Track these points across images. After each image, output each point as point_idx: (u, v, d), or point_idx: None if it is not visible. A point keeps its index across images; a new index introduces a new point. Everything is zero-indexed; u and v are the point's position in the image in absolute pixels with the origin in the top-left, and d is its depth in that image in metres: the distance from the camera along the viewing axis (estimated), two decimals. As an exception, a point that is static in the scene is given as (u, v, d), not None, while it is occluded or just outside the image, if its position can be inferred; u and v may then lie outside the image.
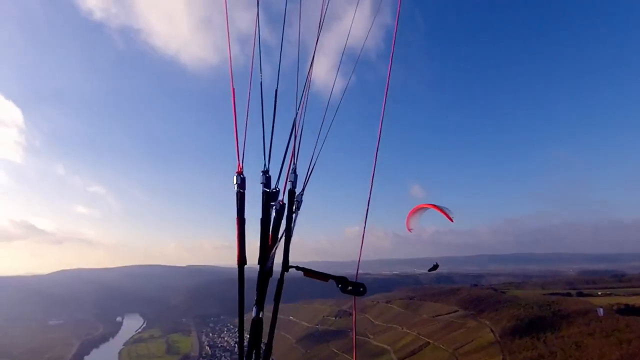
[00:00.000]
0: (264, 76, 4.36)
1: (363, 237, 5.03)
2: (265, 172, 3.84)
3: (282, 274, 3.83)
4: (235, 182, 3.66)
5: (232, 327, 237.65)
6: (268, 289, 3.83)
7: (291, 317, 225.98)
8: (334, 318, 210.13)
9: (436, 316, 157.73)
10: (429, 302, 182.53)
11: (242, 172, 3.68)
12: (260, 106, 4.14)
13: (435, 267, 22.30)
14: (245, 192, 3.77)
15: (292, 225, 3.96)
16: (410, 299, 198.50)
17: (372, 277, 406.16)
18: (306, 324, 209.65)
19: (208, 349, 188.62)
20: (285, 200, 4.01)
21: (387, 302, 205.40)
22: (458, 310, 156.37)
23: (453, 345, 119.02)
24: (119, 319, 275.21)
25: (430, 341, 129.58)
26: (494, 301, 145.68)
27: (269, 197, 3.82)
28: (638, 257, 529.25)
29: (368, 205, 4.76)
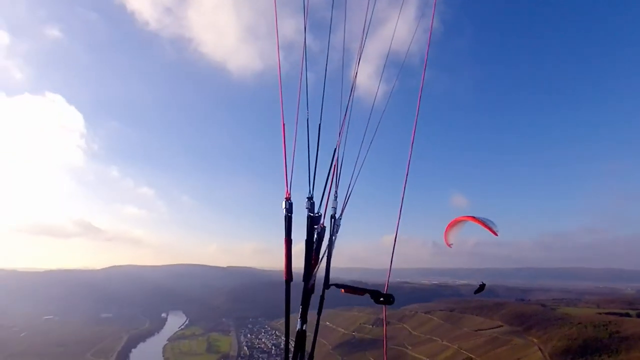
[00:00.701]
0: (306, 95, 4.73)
1: (394, 247, 5.40)
2: (310, 199, 4.30)
3: (323, 291, 4.33)
4: (284, 206, 4.11)
5: (269, 329, 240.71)
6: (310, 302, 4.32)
7: (328, 323, 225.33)
8: (371, 326, 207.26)
9: (478, 330, 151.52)
10: (471, 315, 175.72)
11: (289, 198, 4.13)
12: (307, 138, 4.54)
13: (482, 287, 21.12)
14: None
15: (332, 246, 4.42)
16: (451, 311, 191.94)
17: (410, 287, 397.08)
18: (343, 330, 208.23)
19: (246, 349, 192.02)
20: (327, 224, 4.47)
21: (426, 313, 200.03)
22: (503, 326, 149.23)
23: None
24: (163, 315, 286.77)
25: (473, 356, 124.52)
26: (542, 318, 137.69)
27: (312, 221, 4.28)
28: None
29: (400, 215, 5.05)
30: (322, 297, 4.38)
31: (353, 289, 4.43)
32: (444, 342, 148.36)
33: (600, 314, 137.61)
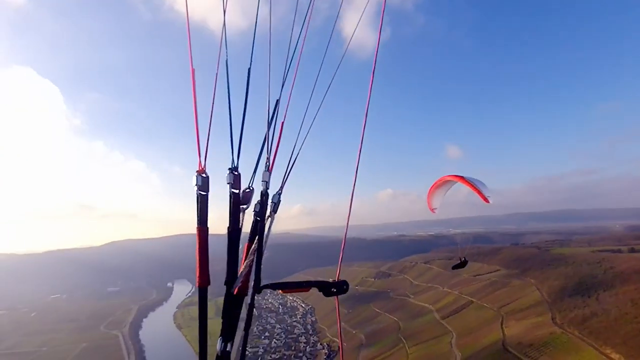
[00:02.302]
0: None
1: (350, 209, 4.18)
2: (233, 170, 3.14)
3: (252, 297, 3.12)
4: (195, 183, 2.94)
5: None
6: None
7: (330, 279, 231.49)
8: (373, 279, 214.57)
9: (477, 275, 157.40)
10: (470, 261, 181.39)
11: (204, 170, 2.99)
12: (226, 87, 3.30)
13: (464, 263, 20.70)
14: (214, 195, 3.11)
15: (265, 233, 3.24)
16: (449, 259, 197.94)
17: (408, 239, 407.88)
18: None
19: (254, 310, 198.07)
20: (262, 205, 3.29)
21: (425, 263, 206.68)
22: (500, 270, 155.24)
23: (497, 303, 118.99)
24: (169, 284, 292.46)
25: (474, 300, 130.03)
26: (538, 260, 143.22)
27: (238, 200, 3.15)
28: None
29: (356, 175, 3.91)
30: (251, 306, 3.08)
31: (294, 287, 3.43)
32: (444, 289, 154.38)
33: (593, 251, 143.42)
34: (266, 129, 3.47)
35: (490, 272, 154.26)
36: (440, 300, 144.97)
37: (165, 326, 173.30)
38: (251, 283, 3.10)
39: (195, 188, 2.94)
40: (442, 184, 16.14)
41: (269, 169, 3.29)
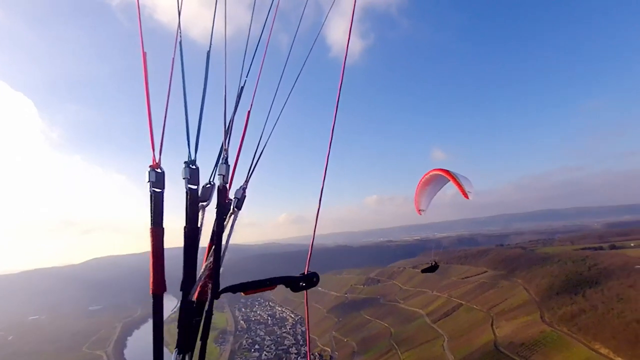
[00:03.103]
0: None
1: (317, 217, 4.02)
2: (190, 164, 2.79)
3: (210, 303, 2.73)
4: (148, 179, 2.62)
5: (263, 301, 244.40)
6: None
7: (320, 288, 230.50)
8: (362, 286, 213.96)
9: (465, 278, 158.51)
10: (456, 264, 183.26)
11: (158, 165, 2.67)
12: (181, 72, 2.94)
13: (434, 267, 20.10)
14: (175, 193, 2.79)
15: (224, 232, 2.90)
16: (437, 262, 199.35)
17: (395, 244, 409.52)
18: (335, 293, 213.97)
19: (243, 323, 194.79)
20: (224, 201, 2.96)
21: (413, 268, 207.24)
22: (487, 271, 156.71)
23: (487, 305, 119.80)
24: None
25: (463, 302, 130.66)
26: (524, 260, 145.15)
27: (195, 197, 2.78)
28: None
29: (323, 182, 3.73)
30: (208, 312, 2.73)
31: (256, 287, 2.96)
32: (434, 293, 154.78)
33: (576, 250, 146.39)
34: (223, 118, 3.10)
35: (478, 274, 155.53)
36: (430, 304, 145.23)
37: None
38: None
39: (149, 185, 2.62)
40: (429, 180, 15.65)
41: (226, 161, 2.95)
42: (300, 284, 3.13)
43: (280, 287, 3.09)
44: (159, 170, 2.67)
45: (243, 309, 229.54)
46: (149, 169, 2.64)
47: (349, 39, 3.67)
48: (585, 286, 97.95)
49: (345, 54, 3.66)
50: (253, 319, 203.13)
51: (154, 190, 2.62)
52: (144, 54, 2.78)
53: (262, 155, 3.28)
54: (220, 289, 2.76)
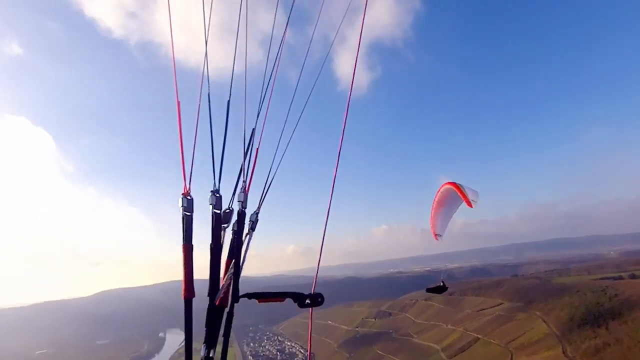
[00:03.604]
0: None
1: (322, 246, 4.46)
2: (215, 192, 3.48)
3: (231, 306, 3.37)
4: (180, 205, 3.27)
5: (271, 335, 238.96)
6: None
7: (330, 322, 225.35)
8: (373, 320, 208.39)
9: (481, 310, 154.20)
10: (471, 296, 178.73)
11: (189, 193, 3.32)
12: (209, 117, 3.78)
13: (442, 288, 17.72)
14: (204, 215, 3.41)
15: (242, 249, 3.57)
16: (450, 295, 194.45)
17: (405, 276, 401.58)
18: (346, 327, 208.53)
19: (251, 358, 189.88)
20: (238, 223, 3.62)
21: (426, 300, 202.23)
22: (503, 303, 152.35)
23: (504, 339, 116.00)
24: (161, 334, 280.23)
25: (480, 336, 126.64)
26: (541, 291, 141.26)
27: (219, 220, 3.46)
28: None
29: (328, 213, 4.29)
30: (230, 314, 3.37)
31: (269, 297, 3.62)
32: (448, 326, 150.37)
33: (594, 279, 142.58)
34: (242, 155, 3.84)
35: (494, 306, 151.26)
36: (445, 338, 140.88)
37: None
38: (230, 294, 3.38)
39: (181, 209, 3.24)
40: (442, 199, 15.30)
41: (244, 191, 3.59)
42: (306, 301, 3.63)
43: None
44: (189, 197, 3.28)
45: (252, 344, 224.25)
46: (181, 197, 3.25)
47: (354, 73, 4.23)
48: (607, 318, 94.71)
49: (350, 89, 4.24)
50: (262, 354, 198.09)
51: (185, 214, 3.24)
52: (178, 103, 3.46)
53: (272, 185, 3.97)
54: (240, 294, 3.35)
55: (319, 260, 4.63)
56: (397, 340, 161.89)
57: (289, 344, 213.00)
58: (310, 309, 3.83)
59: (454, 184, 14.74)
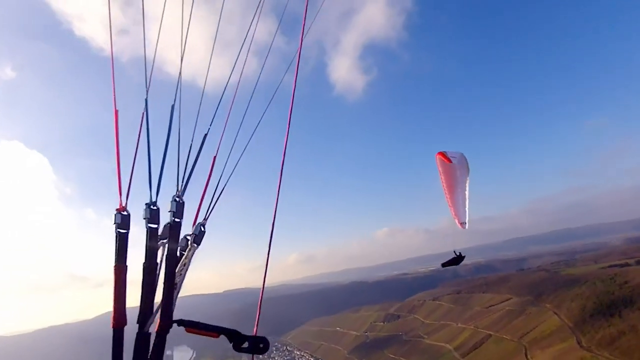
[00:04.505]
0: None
1: (267, 262, 3.99)
2: (151, 205, 3.07)
3: (159, 333, 2.85)
4: (114, 221, 2.91)
5: (280, 346, 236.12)
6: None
7: (338, 328, 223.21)
8: (382, 323, 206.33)
9: (490, 307, 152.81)
10: (478, 293, 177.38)
11: (124, 209, 2.96)
12: (146, 124, 3.47)
13: (459, 259, 16.33)
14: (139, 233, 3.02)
15: (180, 267, 3.06)
16: (458, 293, 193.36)
17: (410, 277, 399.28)
18: (355, 332, 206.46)
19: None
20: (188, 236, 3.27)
21: (434, 300, 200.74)
22: (512, 298, 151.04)
23: (517, 334, 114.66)
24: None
25: (491, 333, 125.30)
26: (550, 283, 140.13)
27: (154, 235, 3.01)
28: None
29: (272, 227, 3.82)
30: (160, 342, 2.84)
31: (202, 328, 2.95)
32: (459, 325, 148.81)
33: (602, 268, 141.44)
34: (177, 163, 3.46)
35: (503, 302, 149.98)
36: (456, 337, 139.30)
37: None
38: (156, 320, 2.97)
39: (114, 226, 2.93)
40: (448, 180, 14.49)
41: (176, 199, 3.18)
42: (243, 345, 2.98)
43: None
44: (125, 213, 2.95)
45: (260, 356, 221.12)
46: (115, 212, 2.94)
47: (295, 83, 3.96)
48: (620, 306, 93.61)
49: (291, 99, 4.39)
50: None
51: (119, 231, 2.91)
52: (116, 111, 3.26)
53: (221, 196, 3.60)
54: (173, 320, 2.89)
55: (264, 280, 4.03)
56: (408, 342, 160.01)
57: (298, 353, 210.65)
58: (252, 356, 3.17)
59: (439, 153, 14.28)
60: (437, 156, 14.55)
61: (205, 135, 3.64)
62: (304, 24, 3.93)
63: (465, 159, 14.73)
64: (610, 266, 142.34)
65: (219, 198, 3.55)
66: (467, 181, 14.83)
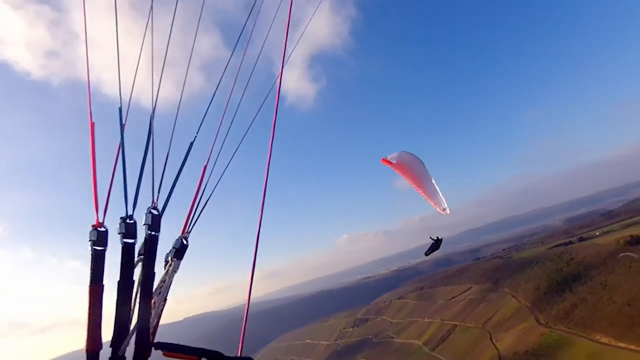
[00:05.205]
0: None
1: (252, 279, 3.84)
2: (126, 219, 2.87)
3: (136, 358, 2.64)
4: (90, 238, 2.70)
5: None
6: None
7: (308, 340, 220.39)
8: (352, 329, 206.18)
9: (452, 298, 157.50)
10: (440, 286, 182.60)
11: (101, 224, 2.76)
12: (120, 135, 3.26)
13: (438, 242, 16.68)
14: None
15: (156, 285, 2.89)
16: (422, 289, 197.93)
17: (374, 280, 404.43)
18: (325, 342, 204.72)
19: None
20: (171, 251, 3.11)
21: (399, 299, 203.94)
22: (472, 287, 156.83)
23: (480, 320, 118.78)
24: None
25: (457, 323, 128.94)
26: (505, 268, 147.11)
27: (130, 250, 2.81)
28: (615, 191, 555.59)
29: (257, 245, 3.72)
30: None
31: (181, 351, 2.70)
32: (425, 320, 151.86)
33: (549, 249, 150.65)
34: (152, 172, 3.31)
35: (464, 292, 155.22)
36: (424, 332, 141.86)
37: None
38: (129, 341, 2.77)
39: (89, 243, 2.72)
40: (413, 176, 14.38)
41: (151, 211, 2.99)
42: None
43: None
44: (101, 229, 2.75)
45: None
46: (91, 229, 2.75)
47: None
48: (569, 281, 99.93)
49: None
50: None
51: (94, 249, 2.70)
52: (92, 124, 3.08)
53: (205, 209, 3.47)
54: (153, 343, 2.68)
55: (247, 311, 3.79)
56: (379, 344, 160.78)
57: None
58: None
59: (382, 160, 14.30)
60: (383, 163, 14.41)
61: (192, 143, 3.56)
62: (285, 44, 3.90)
63: (411, 154, 14.55)
64: (556, 246, 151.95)
65: (203, 209, 3.40)
66: (428, 171, 14.71)
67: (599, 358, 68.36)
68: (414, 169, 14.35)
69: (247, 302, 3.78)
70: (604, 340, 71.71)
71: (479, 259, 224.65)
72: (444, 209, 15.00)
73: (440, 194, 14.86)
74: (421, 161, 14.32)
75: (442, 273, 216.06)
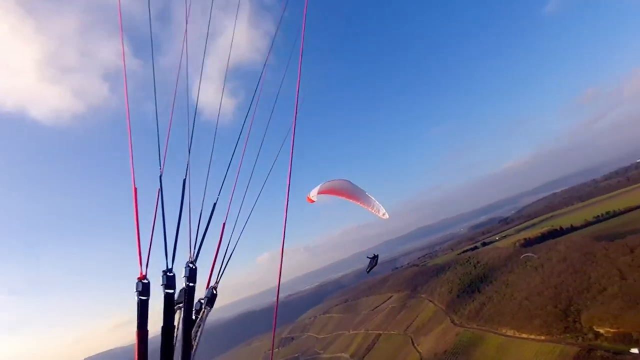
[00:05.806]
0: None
1: (277, 301, 4.92)
2: (167, 271, 3.38)
3: None
4: (136, 289, 3.14)
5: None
6: None
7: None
8: (277, 349, 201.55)
9: (375, 308, 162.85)
10: (364, 297, 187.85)
11: (144, 277, 3.20)
12: (160, 195, 3.72)
13: (374, 259, 18.67)
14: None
15: (193, 330, 3.37)
16: (346, 302, 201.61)
17: (297, 297, 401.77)
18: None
19: None
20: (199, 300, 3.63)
21: (324, 314, 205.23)
22: (392, 295, 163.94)
23: (402, 327, 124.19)
24: None
25: (381, 332, 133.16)
26: (421, 275, 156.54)
27: (171, 299, 3.32)
28: (510, 200, 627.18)
29: (282, 258, 4.44)
30: None
31: None
32: (351, 332, 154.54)
33: (458, 254, 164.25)
34: (188, 233, 3.86)
35: (386, 301, 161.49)
36: (350, 344, 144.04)
37: None
38: None
39: (136, 294, 3.13)
40: (347, 194, 15.17)
41: (189, 265, 3.54)
42: None
43: None
44: (145, 281, 3.17)
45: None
46: (136, 281, 3.15)
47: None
48: (477, 283, 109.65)
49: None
50: None
51: (140, 299, 3.11)
52: (135, 189, 3.44)
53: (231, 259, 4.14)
54: None
55: (275, 314, 5.13)
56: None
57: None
58: None
59: (308, 199, 15.09)
60: (309, 202, 15.10)
61: (215, 204, 4.15)
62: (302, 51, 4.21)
63: (331, 180, 15.37)
64: (464, 251, 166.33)
65: (229, 261, 4.01)
66: (358, 186, 15.42)
67: (506, 350, 75.42)
68: (343, 190, 14.90)
69: (273, 318, 4.70)
70: (509, 333, 79.40)
71: (397, 268, 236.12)
72: (383, 214, 15.62)
73: (377, 202, 15.52)
74: (347, 180, 14.97)
75: (363, 284, 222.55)
